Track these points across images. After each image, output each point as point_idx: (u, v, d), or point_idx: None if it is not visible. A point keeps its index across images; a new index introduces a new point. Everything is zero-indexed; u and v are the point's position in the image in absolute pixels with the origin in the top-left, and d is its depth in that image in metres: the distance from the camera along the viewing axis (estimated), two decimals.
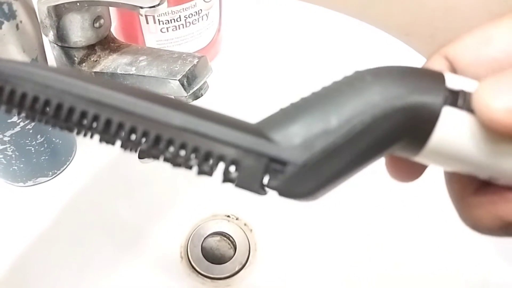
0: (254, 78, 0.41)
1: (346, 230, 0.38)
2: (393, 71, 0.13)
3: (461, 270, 0.33)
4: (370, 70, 0.13)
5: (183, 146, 0.12)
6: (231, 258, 0.39)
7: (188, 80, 0.27)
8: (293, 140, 0.12)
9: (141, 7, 0.25)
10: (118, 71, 0.29)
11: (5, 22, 0.22)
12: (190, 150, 0.12)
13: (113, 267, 0.36)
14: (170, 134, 0.12)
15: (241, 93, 0.41)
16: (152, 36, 0.34)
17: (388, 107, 0.12)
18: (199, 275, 0.38)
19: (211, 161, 0.12)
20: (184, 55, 0.28)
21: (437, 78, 0.13)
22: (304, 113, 0.13)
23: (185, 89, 0.27)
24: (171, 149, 0.13)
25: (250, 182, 0.12)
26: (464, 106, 0.13)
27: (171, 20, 0.33)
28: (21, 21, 0.23)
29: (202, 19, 0.35)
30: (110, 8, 0.31)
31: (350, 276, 0.36)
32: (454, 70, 0.16)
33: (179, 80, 0.27)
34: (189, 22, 0.34)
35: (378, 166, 0.15)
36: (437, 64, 0.16)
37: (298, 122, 0.13)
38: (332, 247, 0.38)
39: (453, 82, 0.13)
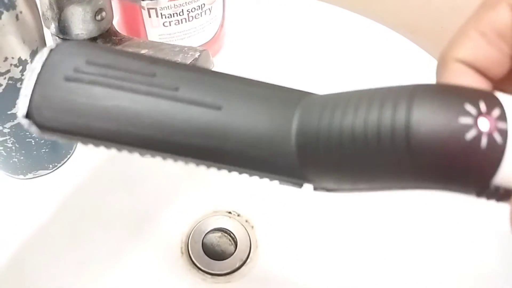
0: (257, 74, 0.41)
1: (349, 227, 0.38)
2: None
3: (460, 263, 0.32)
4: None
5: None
6: (231, 255, 0.39)
7: None
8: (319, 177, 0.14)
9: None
10: None
11: (5, 12, 0.22)
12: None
13: (113, 261, 0.36)
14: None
15: None
16: (155, 30, 0.34)
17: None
18: (200, 271, 0.37)
19: None
20: (186, 48, 0.28)
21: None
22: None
23: None
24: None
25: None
26: None
27: (173, 14, 0.33)
28: (21, 12, 0.23)
29: (205, 14, 0.35)
30: (112, 1, 0.31)
31: (351, 274, 0.36)
32: None
33: None
34: (192, 17, 0.34)
35: None
36: (504, 18, 0.13)
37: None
38: (334, 244, 0.38)
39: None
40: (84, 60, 0.13)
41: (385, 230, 0.36)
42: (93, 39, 0.30)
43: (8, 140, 0.27)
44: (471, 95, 0.11)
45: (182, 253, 0.38)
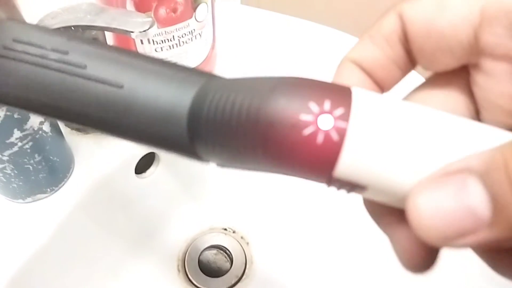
0: None
1: (344, 244, 0.39)
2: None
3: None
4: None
5: None
6: (227, 271, 0.40)
7: None
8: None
9: (132, 32, 0.26)
10: None
11: None
12: None
13: (111, 280, 0.37)
14: None
15: None
16: None
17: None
18: None
19: None
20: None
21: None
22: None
23: None
24: None
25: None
26: None
27: (164, 40, 0.34)
28: None
29: (196, 38, 0.36)
30: (106, 31, 0.32)
31: None
32: (404, 34, 0.14)
33: None
34: (183, 42, 0.35)
35: None
36: (390, 24, 0.14)
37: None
38: (329, 260, 0.39)
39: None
40: (11, 38, 0.15)
41: (382, 245, 0.37)
42: None
43: (7, 167, 0.28)
44: (321, 93, 0.12)
45: (179, 270, 0.39)
